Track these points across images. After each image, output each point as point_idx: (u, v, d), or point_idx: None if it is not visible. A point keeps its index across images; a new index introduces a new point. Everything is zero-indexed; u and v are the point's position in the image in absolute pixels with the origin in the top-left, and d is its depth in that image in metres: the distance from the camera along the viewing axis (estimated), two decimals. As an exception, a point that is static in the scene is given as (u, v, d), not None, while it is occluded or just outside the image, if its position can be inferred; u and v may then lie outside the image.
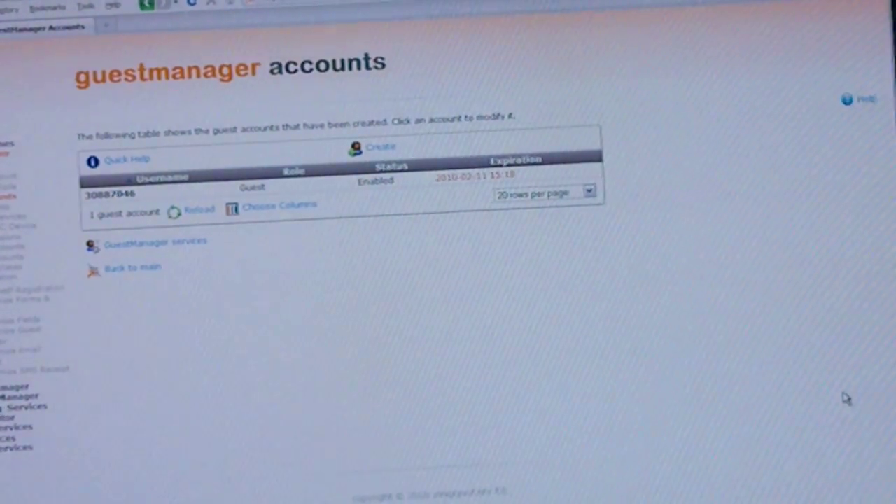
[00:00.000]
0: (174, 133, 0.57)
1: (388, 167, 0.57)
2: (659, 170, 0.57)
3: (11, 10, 0.57)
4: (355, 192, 0.57)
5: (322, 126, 0.57)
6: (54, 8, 0.57)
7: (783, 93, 0.57)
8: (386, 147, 0.57)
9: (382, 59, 0.57)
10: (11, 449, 0.56)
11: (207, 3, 0.57)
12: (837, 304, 0.57)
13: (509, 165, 0.57)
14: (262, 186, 0.57)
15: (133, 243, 0.57)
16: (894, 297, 0.56)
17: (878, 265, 0.57)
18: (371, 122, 0.57)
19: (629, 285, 0.57)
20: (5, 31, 0.57)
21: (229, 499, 0.56)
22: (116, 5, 0.57)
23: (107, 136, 0.57)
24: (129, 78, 0.57)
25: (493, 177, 0.57)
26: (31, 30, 0.57)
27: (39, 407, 0.56)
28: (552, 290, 0.56)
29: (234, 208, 0.57)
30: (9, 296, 0.56)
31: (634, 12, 0.57)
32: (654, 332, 0.56)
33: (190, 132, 0.57)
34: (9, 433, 0.56)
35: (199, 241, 0.57)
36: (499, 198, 0.57)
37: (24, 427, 0.56)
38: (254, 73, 0.57)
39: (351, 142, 0.57)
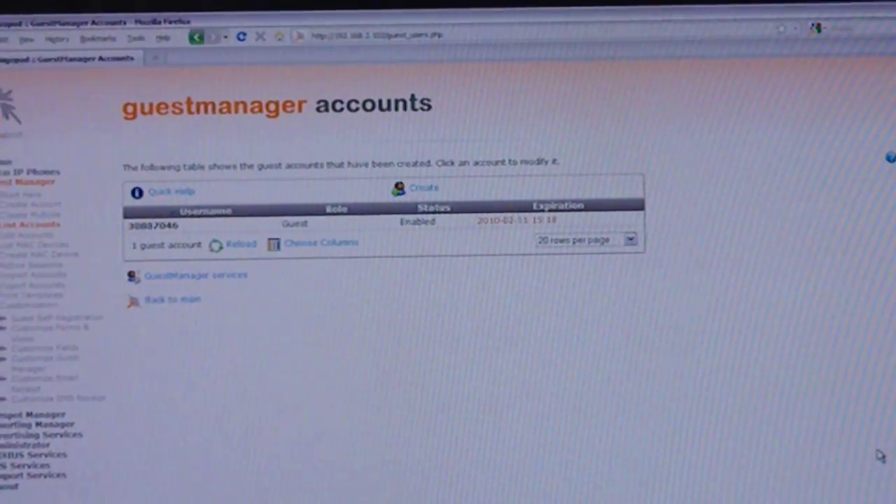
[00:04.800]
0: (219, 167, 0.57)
1: (431, 208, 0.57)
2: (701, 221, 0.57)
3: (62, 39, 0.57)
4: (397, 232, 0.57)
5: (366, 165, 0.57)
6: (104, 39, 0.57)
7: (828, 148, 0.57)
8: (429, 188, 0.57)
9: (428, 100, 0.57)
10: (45, 476, 0.56)
11: (256, 40, 0.58)
12: (874, 361, 0.56)
13: (551, 211, 0.57)
14: (305, 223, 0.57)
15: (174, 275, 0.57)
16: (933, 356, 0.57)
17: (917, 324, 0.57)
18: (415, 163, 0.57)
19: (667, 335, 0.56)
20: (56, 60, 0.57)
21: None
22: (166, 38, 0.58)
23: (152, 167, 0.57)
24: (176, 111, 0.57)
25: (534, 221, 0.57)
26: (80, 60, 0.57)
27: (75, 435, 0.56)
28: (590, 337, 0.57)
29: (275, 244, 0.57)
30: (48, 323, 0.56)
31: (680, 62, 0.57)
32: (690, 383, 0.56)
33: (235, 167, 0.57)
34: (43, 460, 0.56)
35: (239, 275, 0.57)
36: (540, 243, 0.57)
37: (59, 454, 0.56)
38: (300, 110, 0.57)
39: (394, 182, 0.57)
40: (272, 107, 0.57)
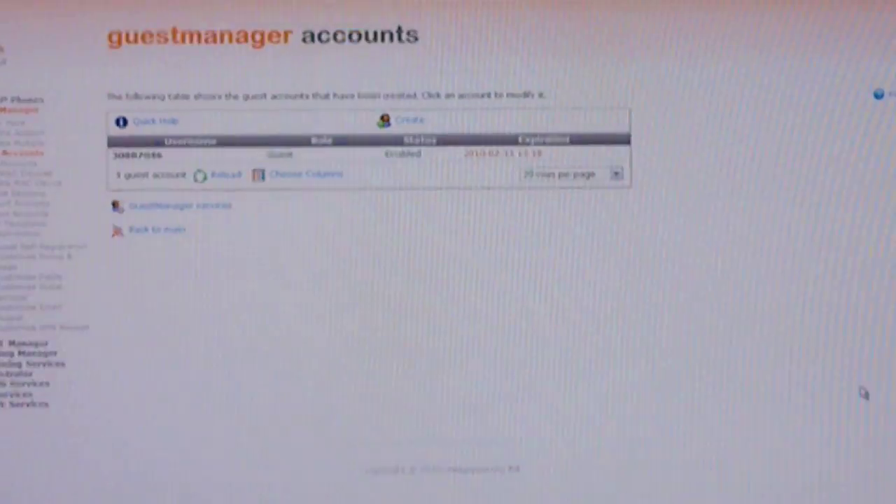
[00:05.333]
0: (204, 97, 0.57)
1: (417, 140, 0.57)
2: (687, 155, 0.57)
3: (47, -34, 0.57)
4: (382, 165, 0.57)
5: (352, 96, 0.57)
6: (90, -34, 0.57)
7: (815, 84, 0.57)
8: (415, 120, 0.57)
9: (415, 31, 0.57)
10: (28, 405, 0.56)
11: (243, -31, 0.57)
12: (858, 299, 0.56)
13: (537, 144, 0.57)
14: (290, 154, 0.57)
15: (158, 205, 0.57)
16: (917, 293, 0.57)
17: (902, 260, 0.57)
18: (401, 95, 0.57)
19: (652, 269, 0.56)
20: (40, -13, 0.57)
21: (242, 466, 0.56)
22: (152, -33, 0.57)
23: (136, 97, 0.57)
24: (161, 40, 0.57)
25: (520, 155, 0.57)
26: (65, -13, 0.57)
27: (57, 364, 0.56)
28: (575, 271, 0.56)
29: (260, 175, 0.57)
30: (32, 252, 0.56)
31: (669, -3, 0.57)
32: (674, 318, 0.56)
33: (220, 97, 0.57)
34: (26, 389, 0.56)
35: (224, 205, 0.57)
36: (525, 176, 0.57)
37: (42, 384, 0.56)
38: (286, 40, 0.57)
39: (380, 114, 0.57)
40: (258, 37, 0.57)
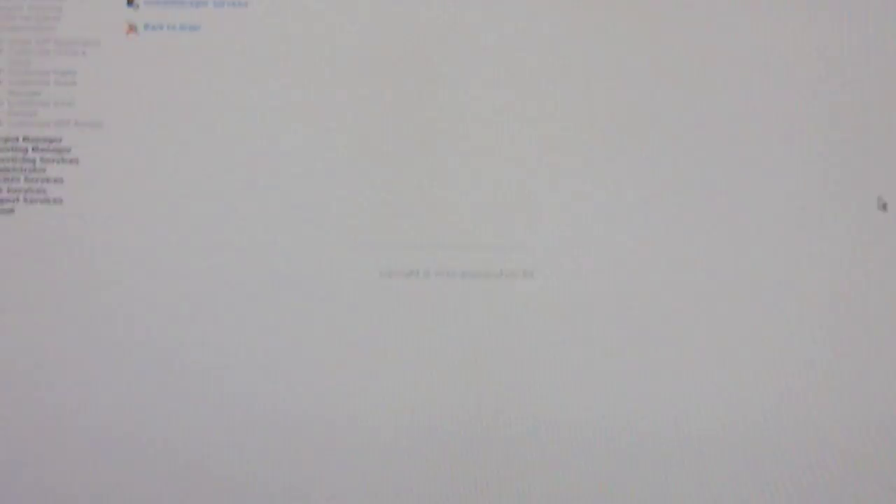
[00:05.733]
0: None
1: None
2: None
3: None
4: (400, -36, 0.56)
5: None
6: None
7: None
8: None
9: None
10: (42, 201, 0.56)
11: None
12: (878, 111, 0.56)
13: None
14: (306, -48, 0.56)
15: (173, 2, 0.56)
16: (939, 101, 0.56)
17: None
18: None
19: (672, 77, 0.56)
20: None
21: (254, 271, 0.56)
22: None
23: None
24: None
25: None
26: None
27: (71, 161, 0.56)
28: (594, 71, 0.56)
29: (276, -28, 0.56)
30: (46, 47, 0.56)
31: None
32: (691, 127, 0.56)
33: None
34: (39, 185, 0.56)
35: (239, 3, 0.56)
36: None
37: (56, 180, 0.56)
38: None
39: (398, -88, 0.56)
40: None
